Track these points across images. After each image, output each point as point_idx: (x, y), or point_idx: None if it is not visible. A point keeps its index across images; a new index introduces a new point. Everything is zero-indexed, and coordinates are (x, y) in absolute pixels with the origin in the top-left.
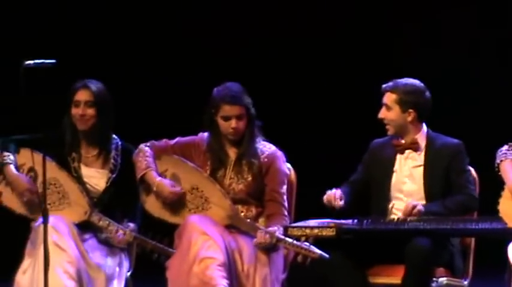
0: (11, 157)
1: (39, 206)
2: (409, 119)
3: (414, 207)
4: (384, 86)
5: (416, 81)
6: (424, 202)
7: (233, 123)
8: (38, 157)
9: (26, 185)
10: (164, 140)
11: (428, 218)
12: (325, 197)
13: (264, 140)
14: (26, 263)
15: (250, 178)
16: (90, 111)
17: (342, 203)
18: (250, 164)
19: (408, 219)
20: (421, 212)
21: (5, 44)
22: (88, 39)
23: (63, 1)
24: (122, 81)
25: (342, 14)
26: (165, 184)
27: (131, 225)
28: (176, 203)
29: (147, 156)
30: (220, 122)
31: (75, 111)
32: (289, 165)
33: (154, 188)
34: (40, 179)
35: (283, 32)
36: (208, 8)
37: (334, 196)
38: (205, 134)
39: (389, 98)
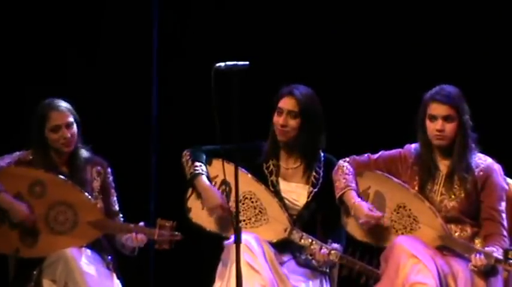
0: (203, 167)
1: (231, 223)
2: None
3: None
4: None
5: None
6: None
7: (439, 124)
8: (230, 167)
9: (218, 200)
10: (366, 154)
11: None
12: None
13: (479, 152)
14: (216, 285)
15: (463, 194)
16: (293, 123)
17: None
18: (462, 178)
19: None
20: None
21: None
22: (285, 40)
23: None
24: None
25: None
26: (362, 207)
27: (336, 245)
28: (379, 227)
29: (347, 173)
30: (427, 123)
31: (277, 119)
32: (510, 180)
33: (351, 211)
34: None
35: None
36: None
37: None
38: (412, 146)
39: None
